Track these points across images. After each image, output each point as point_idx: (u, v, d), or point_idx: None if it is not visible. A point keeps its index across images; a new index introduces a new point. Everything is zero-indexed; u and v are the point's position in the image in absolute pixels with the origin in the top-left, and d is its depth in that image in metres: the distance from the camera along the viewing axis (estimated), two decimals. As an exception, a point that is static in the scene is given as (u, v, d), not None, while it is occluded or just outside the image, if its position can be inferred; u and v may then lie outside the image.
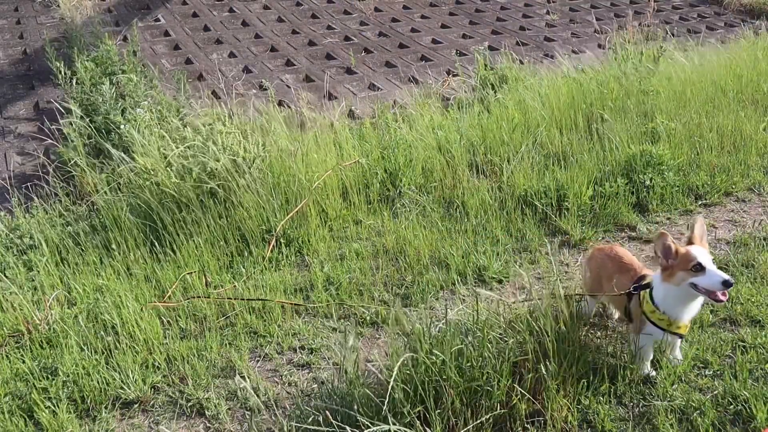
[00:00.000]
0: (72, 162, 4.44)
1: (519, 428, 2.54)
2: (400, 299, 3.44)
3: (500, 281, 3.61)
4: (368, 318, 3.35)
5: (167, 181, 4.07)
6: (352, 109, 5.96)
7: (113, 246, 3.82)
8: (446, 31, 8.28)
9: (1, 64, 6.69)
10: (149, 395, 2.89)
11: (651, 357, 2.81)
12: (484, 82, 6.20)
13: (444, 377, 2.51)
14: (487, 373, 2.55)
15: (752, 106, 5.71)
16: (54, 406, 2.76)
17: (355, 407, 2.50)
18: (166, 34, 7.68)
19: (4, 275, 3.57)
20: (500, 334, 2.80)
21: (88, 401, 2.83)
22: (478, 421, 2.48)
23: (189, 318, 3.35)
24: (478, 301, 2.94)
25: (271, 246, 3.89)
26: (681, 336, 2.75)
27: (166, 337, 3.21)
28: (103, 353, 3.07)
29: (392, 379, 2.48)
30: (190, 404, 2.84)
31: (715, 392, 2.69)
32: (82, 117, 4.77)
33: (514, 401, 2.56)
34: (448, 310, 3.02)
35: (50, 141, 4.82)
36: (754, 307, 3.23)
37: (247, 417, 2.76)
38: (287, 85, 6.39)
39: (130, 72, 5.50)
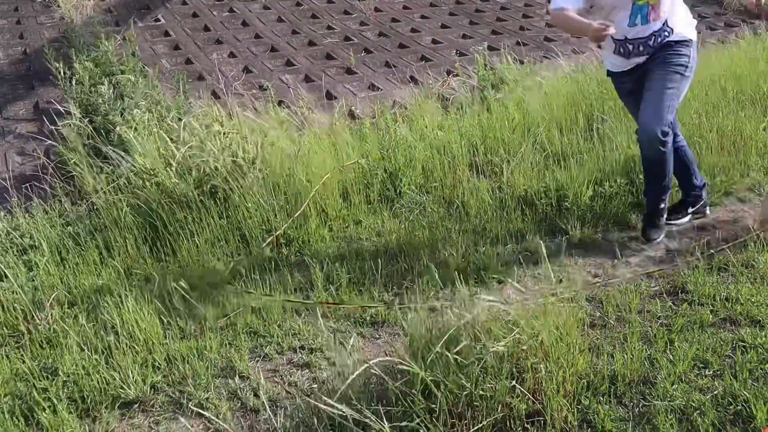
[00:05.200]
0: (72, 162, 4.44)
1: (519, 428, 2.54)
2: (400, 299, 3.45)
3: (500, 281, 3.61)
4: (368, 318, 3.35)
5: (167, 182, 4.07)
6: (352, 109, 5.96)
7: (113, 246, 3.82)
8: (446, 31, 8.28)
9: (1, 64, 6.69)
10: (149, 395, 2.89)
11: None
12: (484, 82, 6.20)
13: (443, 378, 2.51)
14: (487, 372, 2.55)
15: (752, 106, 5.71)
16: (54, 405, 2.76)
17: (355, 407, 2.50)
18: (166, 34, 7.68)
19: (4, 275, 3.57)
20: (500, 334, 2.79)
21: (88, 401, 2.84)
22: (480, 425, 2.48)
23: (189, 318, 3.35)
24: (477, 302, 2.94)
25: (275, 237, 3.87)
26: None
27: (166, 337, 3.21)
28: (103, 353, 3.07)
29: (391, 380, 2.49)
30: (190, 404, 2.84)
31: (715, 392, 2.69)
32: (81, 117, 4.77)
33: (514, 401, 2.56)
34: (448, 310, 3.01)
35: (50, 141, 4.82)
36: (754, 307, 3.23)
37: (248, 417, 2.77)
38: (287, 85, 6.39)
39: (129, 72, 5.50)
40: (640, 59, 3.74)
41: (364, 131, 5.07)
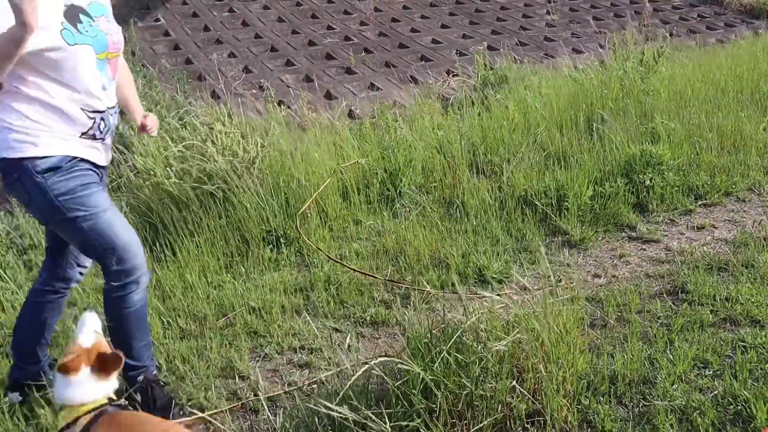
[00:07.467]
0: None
1: (519, 428, 2.54)
2: (400, 299, 3.45)
3: (500, 281, 3.61)
4: (368, 318, 3.35)
5: (167, 181, 4.07)
6: (352, 109, 5.96)
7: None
8: (446, 31, 8.28)
9: (1, 64, 6.69)
10: (149, 395, 2.89)
11: None
12: (484, 82, 6.20)
13: (443, 378, 2.50)
14: (487, 372, 2.55)
15: (752, 106, 5.71)
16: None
17: (355, 407, 2.49)
18: (166, 34, 7.68)
19: (4, 275, 3.57)
20: (500, 334, 2.79)
21: (88, 401, 2.83)
22: (480, 426, 2.47)
23: (189, 318, 3.35)
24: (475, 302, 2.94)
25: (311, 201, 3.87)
26: None
27: (165, 337, 3.21)
28: (103, 353, 3.07)
29: (391, 380, 2.48)
30: (190, 404, 2.84)
31: (715, 392, 2.69)
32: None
33: (514, 401, 2.56)
34: (446, 311, 3.01)
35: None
36: (754, 307, 3.23)
37: (248, 417, 2.77)
38: (287, 85, 6.39)
39: (129, 72, 5.49)
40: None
41: (364, 131, 5.07)
